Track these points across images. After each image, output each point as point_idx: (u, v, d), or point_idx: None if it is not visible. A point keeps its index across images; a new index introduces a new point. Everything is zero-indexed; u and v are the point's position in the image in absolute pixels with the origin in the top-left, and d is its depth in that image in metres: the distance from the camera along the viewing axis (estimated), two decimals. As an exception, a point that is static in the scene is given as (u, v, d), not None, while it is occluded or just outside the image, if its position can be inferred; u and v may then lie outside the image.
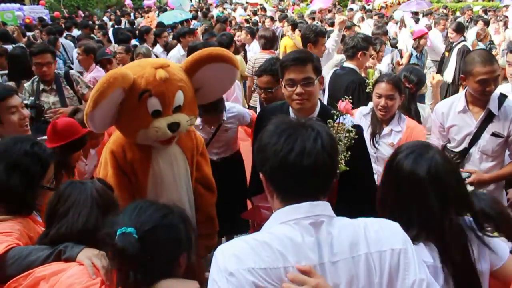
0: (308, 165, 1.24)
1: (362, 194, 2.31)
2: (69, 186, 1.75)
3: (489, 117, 2.81)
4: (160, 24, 9.99)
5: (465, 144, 2.93)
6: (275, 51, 6.03)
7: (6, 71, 5.01)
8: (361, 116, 3.24)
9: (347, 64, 4.10)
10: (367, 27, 10.28)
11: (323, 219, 1.26)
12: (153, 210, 1.49)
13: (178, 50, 6.70)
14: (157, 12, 16.05)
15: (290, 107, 2.46)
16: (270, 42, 5.75)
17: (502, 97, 2.82)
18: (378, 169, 3.15)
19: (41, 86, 4.01)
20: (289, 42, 7.28)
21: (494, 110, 2.78)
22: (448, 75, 7.25)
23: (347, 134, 2.23)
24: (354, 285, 1.24)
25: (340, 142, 2.21)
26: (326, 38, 4.91)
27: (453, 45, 6.97)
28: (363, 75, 4.13)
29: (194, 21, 13.37)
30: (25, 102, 3.70)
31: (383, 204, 1.67)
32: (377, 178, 3.13)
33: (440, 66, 7.67)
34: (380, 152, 3.11)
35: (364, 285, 1.24)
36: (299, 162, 1.24)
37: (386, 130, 3.08)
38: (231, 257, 1.20)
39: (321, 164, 1.26)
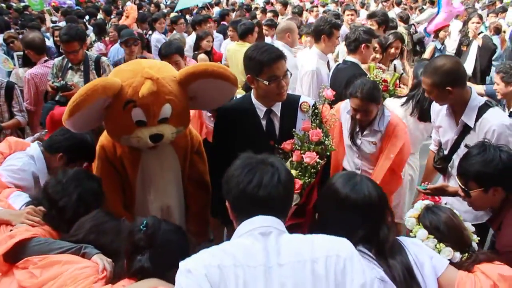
0: (264, 195, 1.44)
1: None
2: (107, 215, 2.05)
3: (466, 129, 2.65)
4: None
5: (447, 151, 2.84)
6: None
7: (21, 52, 5.15)
8: (343, 111, 3.21)
9: (349, 58, 4.04)
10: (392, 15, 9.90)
11: (272, 230, 1.43)
12: (165, 223, 1.83)
13: (192, 39, 6.71)
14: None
15: (253, 98, 2.54)
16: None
17: (485, 107, 2.60)
18: (360, 164, 3.19)
19: (69, 64, 4.11)
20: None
21: (469, 122, 2.61)
22: (468, 67, 6.99)
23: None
24: None
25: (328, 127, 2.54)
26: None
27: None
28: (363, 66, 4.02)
29: (216, 7, 13.32)
30: (55, 84, 3.76)
31: (322, 222, 1.81)
32: (360, 172, 3.19)
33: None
34: (362, 149, 3.12)
35: None
36: (255, 193, 1.44)
37: (367, 130, 3.06)
38: (191, 260, 1.39)
39: (276, 195, 1.46)
